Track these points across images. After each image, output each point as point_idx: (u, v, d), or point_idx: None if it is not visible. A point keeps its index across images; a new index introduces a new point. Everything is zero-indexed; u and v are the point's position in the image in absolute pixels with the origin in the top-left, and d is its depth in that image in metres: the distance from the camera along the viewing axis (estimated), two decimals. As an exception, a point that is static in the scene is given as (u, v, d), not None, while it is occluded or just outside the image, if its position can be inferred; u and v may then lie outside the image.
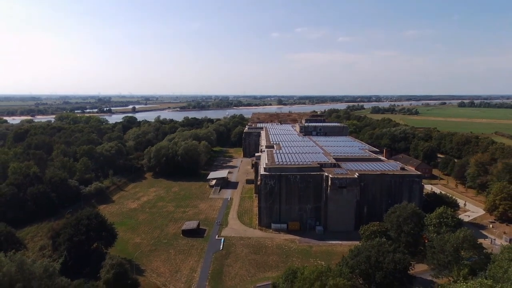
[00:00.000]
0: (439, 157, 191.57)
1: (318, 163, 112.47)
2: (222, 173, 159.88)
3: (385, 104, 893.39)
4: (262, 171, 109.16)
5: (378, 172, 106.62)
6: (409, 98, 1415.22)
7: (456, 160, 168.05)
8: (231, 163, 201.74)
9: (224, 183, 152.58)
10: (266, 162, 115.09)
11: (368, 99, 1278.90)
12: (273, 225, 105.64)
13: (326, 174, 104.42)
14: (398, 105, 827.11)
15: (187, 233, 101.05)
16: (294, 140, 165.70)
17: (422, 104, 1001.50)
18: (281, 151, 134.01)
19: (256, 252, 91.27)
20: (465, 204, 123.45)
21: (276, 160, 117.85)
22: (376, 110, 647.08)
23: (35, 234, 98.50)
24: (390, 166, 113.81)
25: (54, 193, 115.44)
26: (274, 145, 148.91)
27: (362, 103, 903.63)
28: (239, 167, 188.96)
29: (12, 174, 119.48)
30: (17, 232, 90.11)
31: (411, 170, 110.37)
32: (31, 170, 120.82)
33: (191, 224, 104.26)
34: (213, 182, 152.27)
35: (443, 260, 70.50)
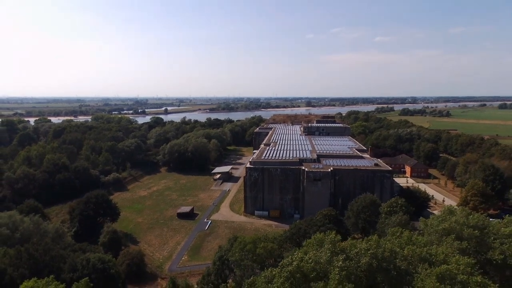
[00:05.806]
0: (442, 157, 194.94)
1: (299, 158, 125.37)
2: (225, 168, 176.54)
3: (418, 106, 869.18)
4: (248, 165, 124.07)
5: (352, 167, 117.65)
6: (448, 99, 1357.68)
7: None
8: (240, 160, 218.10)
9: (227, 177, 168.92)
10: (254, 157, 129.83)
11: (403, 101, 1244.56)
12: (256, 212, 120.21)
13: (303, 168, 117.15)
14: (431, 107, 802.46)
15: (181, 215, 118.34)
16: (293, 139, 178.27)
17: (459, 105, 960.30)
18: (274, 148, 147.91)
19: (235, 233, 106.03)
20: (443, 200, 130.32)
21: (264, 155, 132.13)
22: (405, 112, 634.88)
23: (59, 211, 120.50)
24: (366, 162, 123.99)
25: (78, 180, 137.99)
26: (271, 143, 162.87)
27: (393, 105, 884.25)
28: (246, 164, 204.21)
29: (46, 164, 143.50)
30: (45, 209, 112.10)
31: (384, 166, 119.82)
32: (60, 161, 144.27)
33: (185, 209, 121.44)
34: (217, 176, 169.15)
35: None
